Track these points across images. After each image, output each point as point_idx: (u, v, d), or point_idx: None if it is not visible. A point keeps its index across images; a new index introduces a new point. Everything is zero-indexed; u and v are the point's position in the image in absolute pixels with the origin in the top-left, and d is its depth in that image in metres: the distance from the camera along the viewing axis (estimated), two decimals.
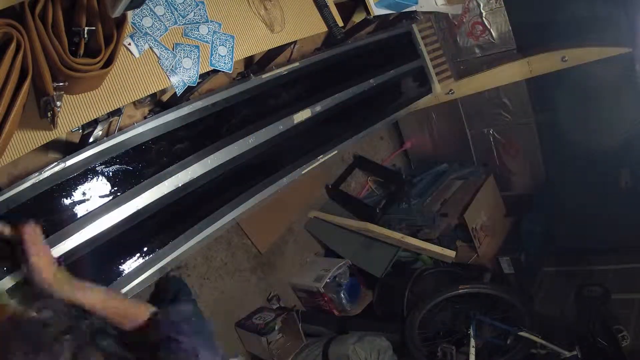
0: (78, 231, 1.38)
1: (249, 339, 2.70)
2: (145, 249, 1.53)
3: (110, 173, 1.47)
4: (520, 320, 2.52)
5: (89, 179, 1.42)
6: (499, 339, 2.54)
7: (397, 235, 2.86)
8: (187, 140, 1.67)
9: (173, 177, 1.61)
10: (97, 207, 1.43)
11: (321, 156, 2.11)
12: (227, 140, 1.78)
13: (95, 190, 1.43)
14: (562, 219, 3.13)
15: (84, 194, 1.41)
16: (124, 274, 1.48)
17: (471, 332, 2.48)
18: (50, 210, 1.34)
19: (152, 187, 1.56)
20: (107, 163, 1.46)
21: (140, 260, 1.52)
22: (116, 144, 1.47)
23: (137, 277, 1.50)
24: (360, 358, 2.38)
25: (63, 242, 1.35)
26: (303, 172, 2.03)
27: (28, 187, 1.30)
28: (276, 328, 2.62)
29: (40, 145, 1.25)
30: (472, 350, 2.40)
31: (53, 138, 1.27)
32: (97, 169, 1.44)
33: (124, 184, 1.50)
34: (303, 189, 3.16)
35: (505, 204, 3.43)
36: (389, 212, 3.14)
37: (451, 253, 2.83)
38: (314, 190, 3.31)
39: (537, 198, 3.27)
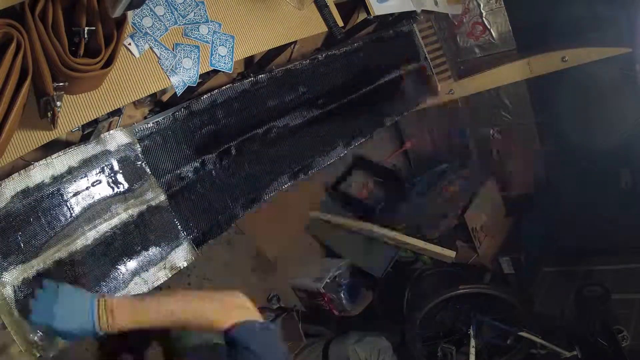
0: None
1: None
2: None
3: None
4: (520, 320, 2.52)
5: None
6: (499, 339, 2.54)
7: (397, 235, 2.86)
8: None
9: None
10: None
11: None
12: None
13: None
14: (562, 219, 3.13)
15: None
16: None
17: (471, 332, 2.48)
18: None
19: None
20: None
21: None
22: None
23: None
24: (360, 358, 2.38)
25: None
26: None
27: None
28: None
29: (40, 145, 1.25)
30: (472, 350, 2.40)
31: (53, 138, 1.27)
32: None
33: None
34: (305, 191, 3.16)
35: (505, 204, 3.43)
36: (389, 212, 3.14)
37: (451, 253, 2.83)
38: (315, 191, 3.31)
39: (537, 198, 3.27)
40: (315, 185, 3.31)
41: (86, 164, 1.40)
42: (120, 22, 1.18)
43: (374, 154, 3.74)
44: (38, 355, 1.27)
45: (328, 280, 2.90)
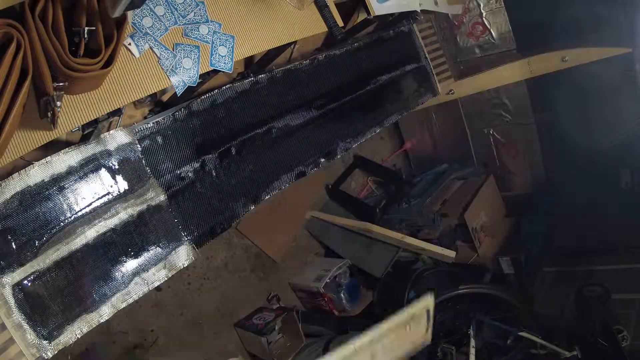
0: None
1: (249, 339, 2.70)
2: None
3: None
4: (520, 320, 2.52)
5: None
6: (499, 339, 2.54)
7: (397, 235, 2.86)
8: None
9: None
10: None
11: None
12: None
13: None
14: (562, 219, 3.12)
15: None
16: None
17: (471, 332, 2.47)
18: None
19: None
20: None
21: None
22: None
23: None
24: None
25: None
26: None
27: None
28: (276, 328, 2.62)
29: (40, 145, 1.25)
30: (472, 351, 2.39)
31: (53, 138, 1.27)
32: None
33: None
34: (304, 191, 3.16)
35: (505, 204, 3.43)
36: (389, 212, 3.13)
37: (451, 253, 2.83)
38: (315, 191, 3.31)
39: (537, 198, 3.27)
40: (316, 185, 3.31)
41: (86, 164, 1.40)
42: (120, 22, 1.18)
43: (374, 154, 3.74)
44: (37, 355, 1.28)
45: (328, 280, 2.91)
